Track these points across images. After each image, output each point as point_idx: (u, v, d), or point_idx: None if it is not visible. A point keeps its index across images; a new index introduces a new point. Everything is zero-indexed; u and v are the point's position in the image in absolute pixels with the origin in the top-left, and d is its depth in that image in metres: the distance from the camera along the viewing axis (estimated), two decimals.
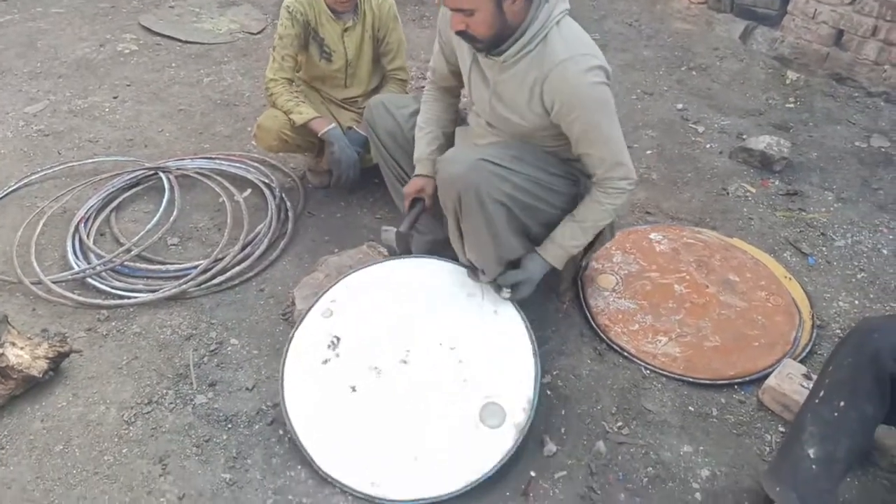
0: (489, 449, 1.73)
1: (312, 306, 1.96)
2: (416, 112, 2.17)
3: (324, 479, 1.73)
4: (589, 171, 1.90)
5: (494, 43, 1.75)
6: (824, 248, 2.62)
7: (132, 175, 2.74)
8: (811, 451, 1.53)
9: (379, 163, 2.30)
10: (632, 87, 3.78)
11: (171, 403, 1.93)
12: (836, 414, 1.54)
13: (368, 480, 1.69)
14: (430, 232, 2.30)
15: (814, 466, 1.52)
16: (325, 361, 1.87)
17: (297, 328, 1.92)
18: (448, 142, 2.16)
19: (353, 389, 1.83)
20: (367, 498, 1.68)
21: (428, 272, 2.09)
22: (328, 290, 2.01)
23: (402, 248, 2.14)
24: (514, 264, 2.01)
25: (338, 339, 1.91)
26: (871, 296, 2.39)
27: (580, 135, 1.80)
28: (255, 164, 2.87)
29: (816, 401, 1.59)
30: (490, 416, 1.78)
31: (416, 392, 1.84)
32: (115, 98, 3.48)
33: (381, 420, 1.79)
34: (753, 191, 2.95)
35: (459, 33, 1.75)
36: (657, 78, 3.91)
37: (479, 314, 1.99)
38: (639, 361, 2.09)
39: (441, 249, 2.25)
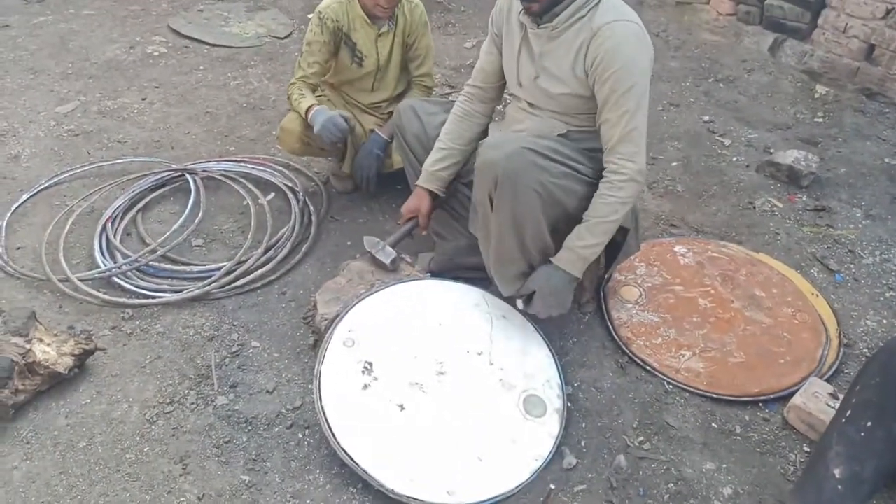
0: (541, 436, 1.85)
1: (331, 339, 1.97)
2: (444, 122, 2.17)
3: (343, 485, 1.73)
4: (603, 144, 1.86)
5: (552, 4, 1.77)
6: (852, 266, 2.57)
7: (159, 176, 2.78)
8: (837, 472, 1.50)
9: (405, 167, 2.32)
10: (658, 98, 3.76)
11: (193, 404, 1.94)
12: (862, 434, 1.52)
13: (444, 490, 1.71)
14: (453, 238, 2.30)
15: (839, 487, 1.49)
16: (365, 387, 1.88)
17: (321, 362, 1.91)
18: (462, 161, 2.16)
19: (402, 408, 1.85)
20: None
21: (429, 290, 2.15)
22: (341, 320, 2.01)
23: (384, 260, 2.16)
24: None
25: (370, 363, 1.92)
26: None
27: (608, 94, 1.77)
28: (280, 168, 2.90)
29: (843, 420, 1.57)
30: (533, 408, 1.91)
31: (462, 398, 1.91)
32: (143, 99, 3.53)
33: (437, 430, 1.83)
34: (780, 205, 2.91)
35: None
36: (684, 89, 3.89)
37: (488, 320, 2.10)
38: (661, 376, 2.07)
39: (464, 255, 2.25)
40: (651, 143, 3.31)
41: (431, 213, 2.19)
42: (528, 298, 2.00)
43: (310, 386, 1.96)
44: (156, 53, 4.03)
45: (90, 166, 2.93)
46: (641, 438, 1.89)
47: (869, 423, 1.52)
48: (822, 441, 1.61)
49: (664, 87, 3.89)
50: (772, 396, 2.00)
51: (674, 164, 3.19)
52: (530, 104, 1.97)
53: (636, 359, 2.12)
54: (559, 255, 1.94)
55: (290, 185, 2.77)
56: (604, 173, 1.85)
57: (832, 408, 1.82)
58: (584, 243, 1.90)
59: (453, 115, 2.16)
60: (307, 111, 2.45)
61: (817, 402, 1.89)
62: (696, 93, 3.85)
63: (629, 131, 1.79)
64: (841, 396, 1.79)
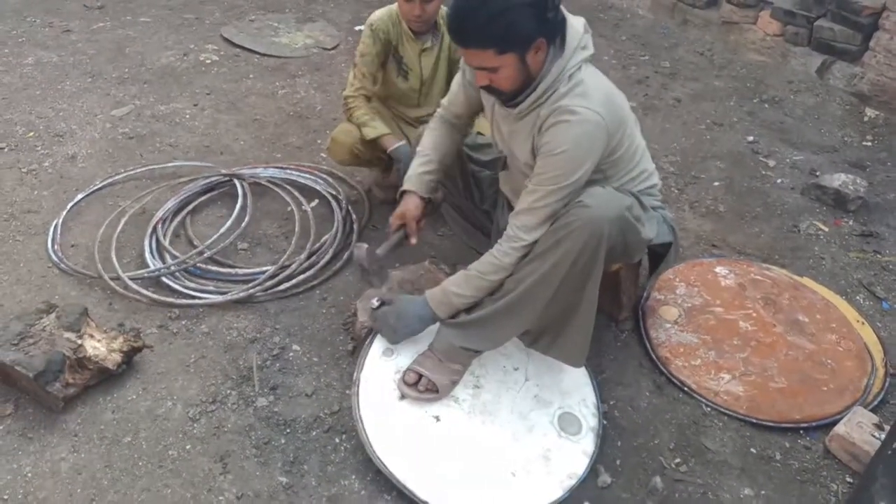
0: (575, 454, 1.85)
1: (370, 348, 2.00)
2: (456, 135, 2.16)
3: (378, 491, 1.75)
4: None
5: (519, 93, 1.73)
6: None
7: (208, 180, 2.86)
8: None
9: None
10: (701, 117, 3.73)
11: (234, 404, 1.98)
12: None
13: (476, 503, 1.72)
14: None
15: None
16: (403, 397, 1.90)
17: (360, 369, 1.94)
18: (443, 169, 2.13)
19: (438, 419, 1.87)
20: None
21: None
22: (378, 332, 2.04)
23: (374, 269, 2.10)
24: None
25: None
26: None
27: (539, 167, 1.72)
28: (324, 176, 2.95)
29: (890, 452, 1.53)
30: (568, 425, 1.91)
31: (497, 413, 1.91)
32: (195, 105, 3.63)
33: (472, 444, 1.84)
34: (826, 229, 2.86)
35: (484, 88, 1.74)
36: (728, 109, 3.85)
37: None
38: (700, 397, 2.05)
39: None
40: (693, 162, 3.31)
41: (422, 221, 2.10)
42: (381, 305, 1.99)
43: (347, 392, 1.99)
44: (208, 61, 4.14)
45: (143, 169, 3.02)
46: (678, 460, 1.88)
47: None
48: (867, 473, 1.57)
49: (707, 106, 3.86)
50: (813, 424, 1.97)
51: (716, 183, 3.16)
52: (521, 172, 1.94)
53: (674, 379, 2.10)
54: (434, 290, 1.92)
55: (333, 192, 2.82)
56: (504, 233, 1.82)
57: (877, 438, 1.78)
58: (459, 291, 1.87)
59: (432, 127, 2.13)
60: (381, 137, 2.52)
61: (861, 431, 1.85)
62: (740, 112, 3.81)
63: (540, 207, 1.73)
64: (887, 427, 1.75)
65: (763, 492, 1.80)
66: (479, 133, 2.34)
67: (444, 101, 2.12)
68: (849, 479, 1.83)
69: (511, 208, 2.13)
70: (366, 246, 2.07)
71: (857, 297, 2.49)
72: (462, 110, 2.08)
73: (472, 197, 2.30)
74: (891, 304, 2.46)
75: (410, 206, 2.06)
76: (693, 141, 3.51)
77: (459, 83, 2.03)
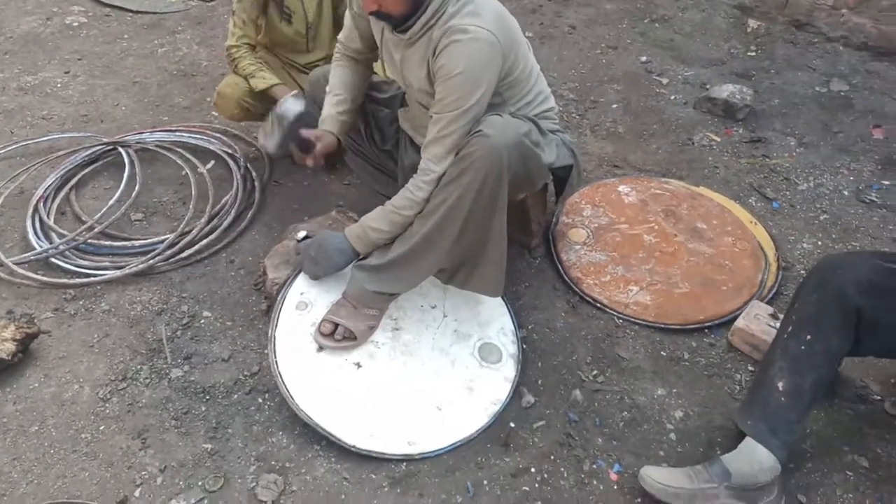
0: (498, 381, 1.89)
1: (283, 303, 1.94)
2: None
3: (307, 443, 1.74)
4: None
5: (408, 17, 1.69)
6: (788, 193, 2.66)
7: (90, 151, 2.67)
8: (780, 385, 1.58)
9: None
10: (596, 42, 3.76)
11: (147, 378, 1.91)
12: (803, 347, 1.59)
13: (405, 441, 1.74)
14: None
15: (783, 399, 1.57)
16: (320, 349, 1.87)
17: (275, 327, 1.89)
18: (356, 108, 2.09)
19: (359, 366, 1.86)
20: (408, 458, 1.72)
21: None
22: (292, 284, 1.98)
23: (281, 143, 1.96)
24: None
25: None
26: (834, 236, 2.45)
27: (440, 94, 1.69)
28: (218, 135, 2.81)
29: (785, 336, 1.64)
30: (489, 355, 1.95)
31: (418, 352, 1.92)
32: (66, 73, 3.36)
33: (396, 384, 1.85)
34: (718, 139, 2.98)
35: (373, 13, 1.69)
36: (620, 31, 3.90)
37: None
38: (611, 311, 2.13)
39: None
40: (591, 87, 3.35)
41: (326, 154, 2.01)
42: (306, 238, 1.98)
43: (266, 351, 1.95)
44: (75, 24, 3.82)
45: (15, 146, 2.78)
46: (595, 372, 1.95)
47: (809, 337, 1.59)
48: (767, 358, 1.68)
49: (601, 30, 3.90)
50: (717, 322, 2.08)
51: (614, 106, 3.22)
52: (419, 103, 1.90)
53: (587, 297, 2.17)
54: (352, 225, 1.91)
55: (229, 151, 2.70)
56: (418, 168, 1.80)
57: (773, 328, 1.90)
58: (376, 225, 1.85)
59: (337, 65, 2.07)
60: (271, 87, 2.41)
61: (759, 323, 1.97)
62: (632, 34, 3.87)
63: (446, 135, 1.71)
64: (781, 317, 1.87)
65: (675, 390, 1.91)
66: (374, 72, 2.28)
67: (341, 37, 2.06)
68: (751, 368, 1.96)
69: (413, 145, 2.10)
70: (304, 233, 2.00)
71: (750, 200, 2.62)
72: (359, 45, 2.02)
73: (373, 138, 2.25)
74: (780, 203, 2.61)
75: (327, 140, 2.00)
76: (590, 66, 3.54)
77: (350, 17, 1.98)
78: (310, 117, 1.99)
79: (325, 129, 2.03)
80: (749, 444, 1.57)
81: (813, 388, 1.58)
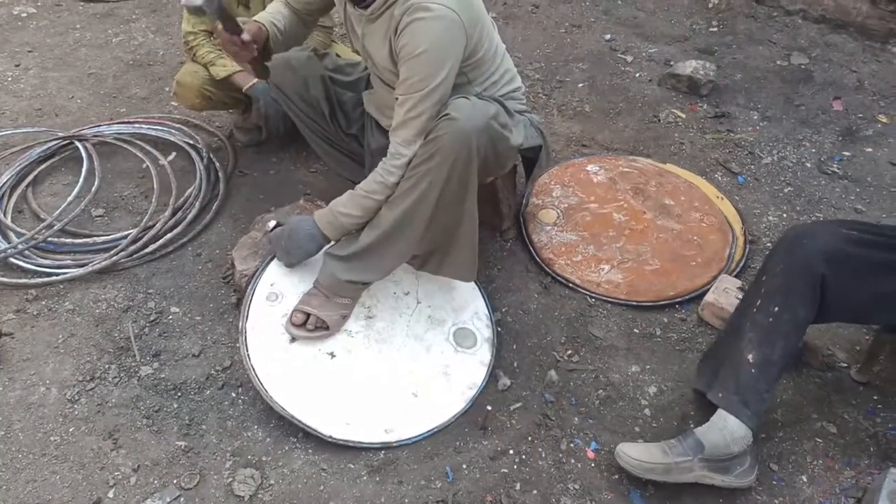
0: (473, 365, 1.90)
1: (253, 295, 1.91)
2: (321, 74, 2.07)
3: (283, 436, 1.73)
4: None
5: None
6: (752, 167, 2.70)
7: (45, 147, 2.58)
8: (750, 356, 1.60)
9: (296, 122, 2.21)
10: (560, 21, 3.75)
11: (115, 377, 1.87)
12: (770, 319, 1.61)
13: (381, 429, 1.73)
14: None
15: (753, 371, 1.59)
16: (293, 340, 1.84)
17: (245, 319, 1.86)
18: (287, 38, 1.93)
19: (333, 355, 1.84)
20: (386, 446, 1.72)
21: None
22: (261, 275, 1.95)
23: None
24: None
25: None
26: (798, 208, 2.49)
27: (404, 75, 1.66)
28: (178, 126, 2.74)
29: (754, 309, 1.66)
30: (464, 339, 1.95)
31: (392, 340, 1.91)
32: (17, 66, 3.24)
33: (371, 373, 1.83)
34: (683, 116, 3.00)
35: None
36: (584, 10, 3.89)
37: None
38: (584, 291, 2.14)
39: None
40: (557, 67, 3.34)
41: (251, 42, 1.79)
42: (277, 227, 1.95)
43: (237, 345, 1.91)
44: (24, 14, 3.69)
45: None
46: (570, 352, 1.96)
47: (776, 308, 1.61)
48: (732, 329, 1.70)
49: (564, 9, 3.88)
50: (687, 297, 2.11)
51: (580, 85, 3.22)
52: (382, 81, 1.87)
53: (559, 278, 2.17)
54: (321, 210, 1.87)
55: (191, 142, 2.64)
56: (388, 151, 1.77)
57: None
58: (345, 210, 1.81)
59: (277, 7, 1.93)
60: (232, 75, 2.37)
61: (728, 297, 2.00)
62: (596, 12, 3.87)
63: (413, 117, 1.68)
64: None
65: (648, 366, 1.93)
66: (337, 55, 2.24)
67: None
68: None
69: (379, 128, 2.08)
70: (274, 223, 1.96)
71: (716, 175, 2.65)
72: (312, 7, 1.94)
73: (338, 122, 2.21)
74: (745, 177, 2.64)
75: (255, 29, 1.82)
76: (555, 45, 3.53)
77: None
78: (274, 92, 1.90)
79: (255, 20, 1.87)
80: (721, 415, 1.60)
81: (782, 357, 1.61)
